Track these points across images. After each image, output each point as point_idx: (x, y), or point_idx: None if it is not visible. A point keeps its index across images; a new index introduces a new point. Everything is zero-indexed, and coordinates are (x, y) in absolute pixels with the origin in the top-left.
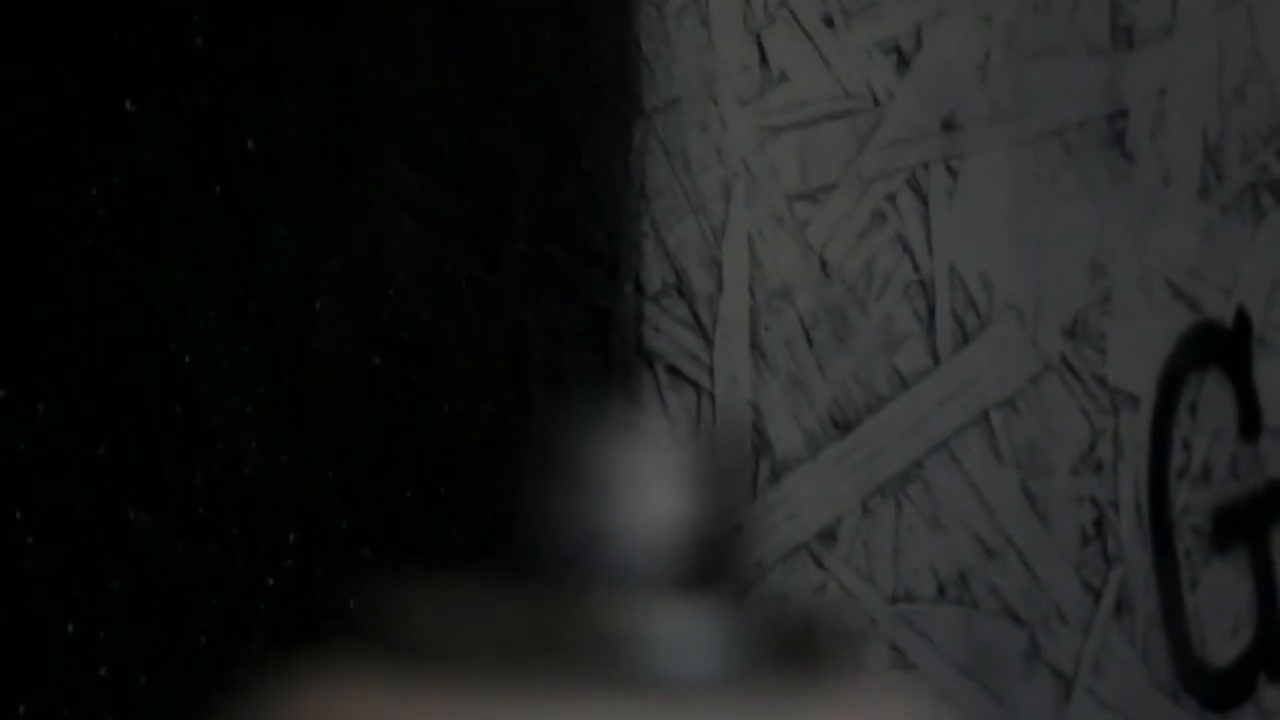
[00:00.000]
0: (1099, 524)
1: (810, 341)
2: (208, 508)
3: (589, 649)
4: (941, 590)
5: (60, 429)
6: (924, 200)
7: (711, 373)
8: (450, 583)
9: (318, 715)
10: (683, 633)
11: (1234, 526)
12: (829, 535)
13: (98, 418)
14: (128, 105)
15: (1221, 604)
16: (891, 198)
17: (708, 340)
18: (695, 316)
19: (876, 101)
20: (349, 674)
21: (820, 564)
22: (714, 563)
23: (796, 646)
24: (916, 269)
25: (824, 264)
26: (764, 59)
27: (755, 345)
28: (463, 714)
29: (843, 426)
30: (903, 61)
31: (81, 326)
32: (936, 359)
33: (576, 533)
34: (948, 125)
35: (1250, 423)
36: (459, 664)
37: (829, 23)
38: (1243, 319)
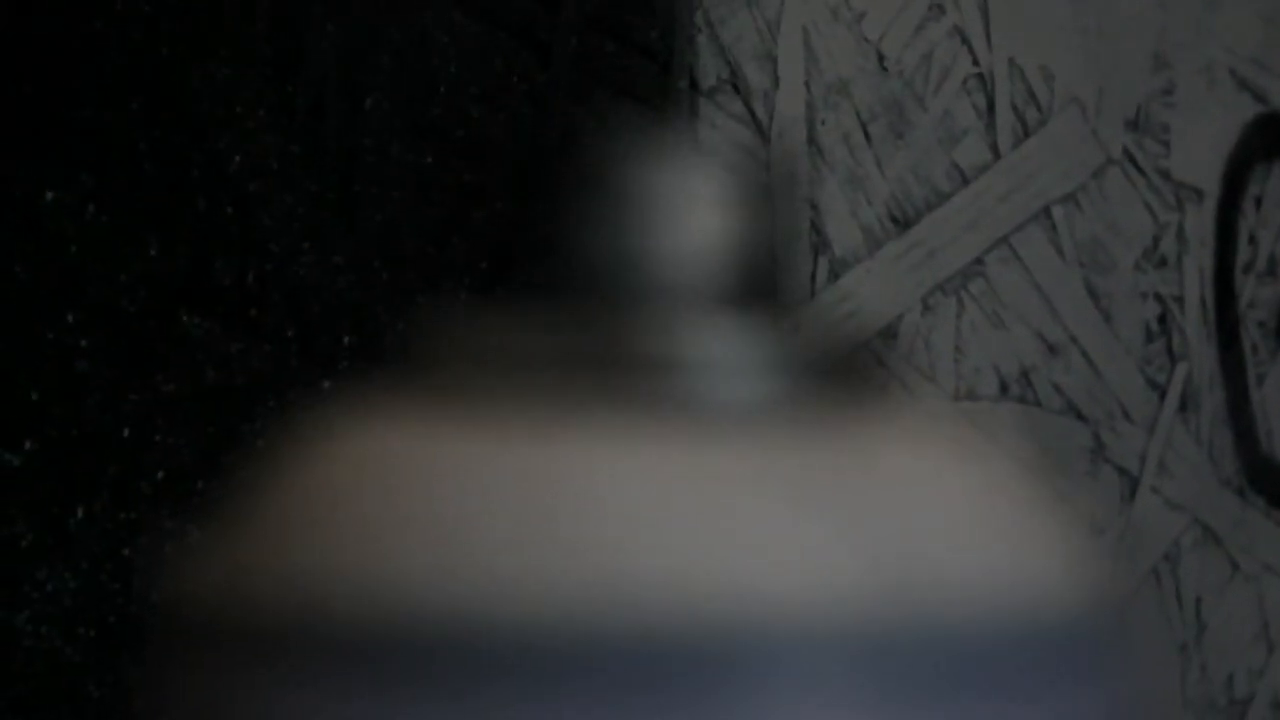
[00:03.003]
0: (1163, 320)
1: (868, 137)
2: (261, 309)
3: (629, 372)
4: (1004, 388)
5: (110, 231)
6: None
7: (768, 169)
8: (485, 311)
9: (355, 458)
10: (726, 355)
11: None
12: (889, 334)
13: (148, 219)
14: None
15: None
16: None
17: (764, 136)
18: (751, 112)
19: None
20: (384, 414)
21: (881, 362)
22: (760, 283)
23: (842, 371)
24: (975, 62)
25: (881, 57)
26: None
27: (812, 141)
28: (502, 446)
29: (902, 223)
30: None
31: (129, 127)
32: (997, 154)
33: (615, 253)
34: None
35: None
36: (497, 394)
37: None
38: None
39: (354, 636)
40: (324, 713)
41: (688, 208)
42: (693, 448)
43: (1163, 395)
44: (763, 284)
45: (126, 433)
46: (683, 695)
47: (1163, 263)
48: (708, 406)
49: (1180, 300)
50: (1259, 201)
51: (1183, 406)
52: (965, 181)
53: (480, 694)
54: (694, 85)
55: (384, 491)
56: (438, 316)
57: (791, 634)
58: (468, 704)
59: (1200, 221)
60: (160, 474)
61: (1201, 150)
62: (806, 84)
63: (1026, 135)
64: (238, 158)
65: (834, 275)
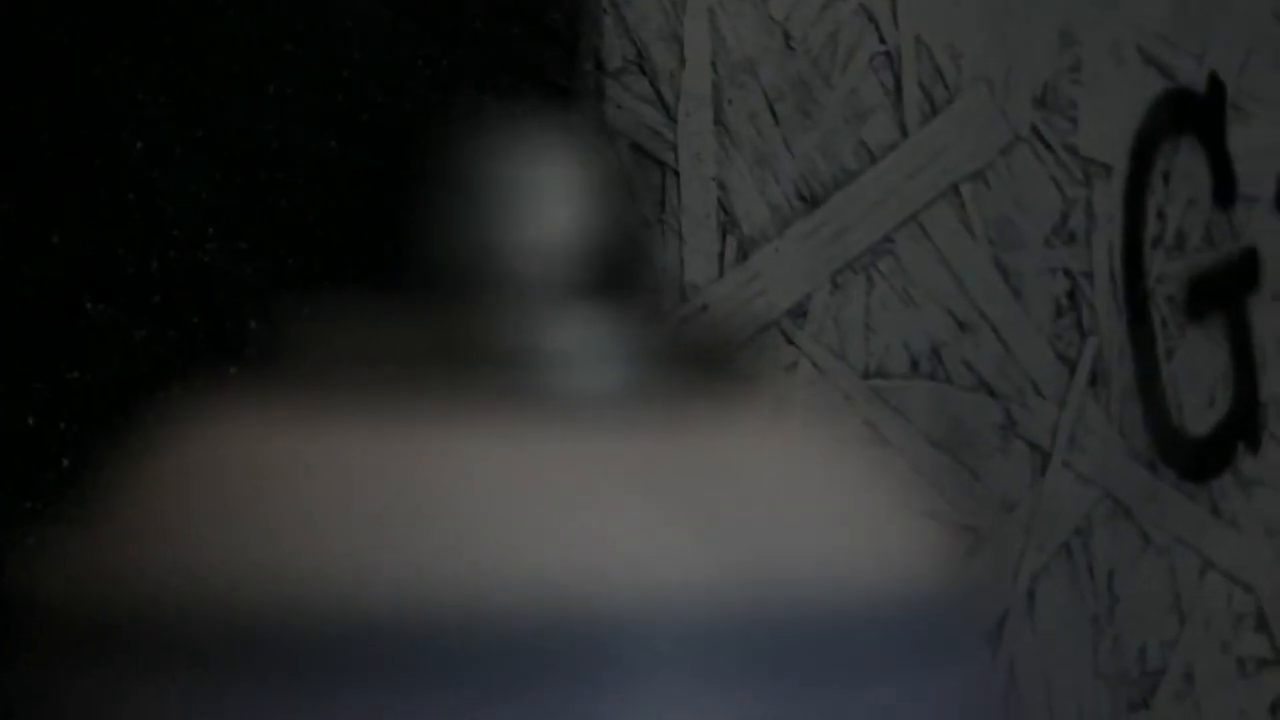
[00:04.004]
0: (1072, 295)
1: (775, 116)
2: (165, 296)
3: (488, 364)
4: (914, 365)
5: (10, 219)
6: None
7: (675, 150)
8: (344, 303)
9: (212, 449)
10: (586, 346)
11: (1209, 295)
12: (799, 312)
13: (49, 207)
14: None
15: (1198, 373)
16: None
17: (671, 117)
18: (657, 93)
19: None
20: (244, 405)
21: (791, 341)
22: (620, 272)
23: (706, 360)
24: (882, 40)
25: (787, 37)
26: None
27: (719, 121)
28: (362, 439)
29: (810, 202)
30: None
31: (29, 115)
32: (904, 132)
33: (473, 244)
34: None
35: (1225, 190)
36: (358, 387)
37: None
38: (1216, 85)
39: (212, 630)
40: (177, 705)
41: (545, 199)
42: (551, 439)
43: (1073, 370)
44: (623, 275)
45: (31, 421)
46: (542, 684)
47: (1071, 239)
48: (567, 398)
49: (1089, 276)
50: (1166, 177)
51: (1093, 381)
52: (873, 160)
53: (340, 687)
54: (600, 66)
55: (243, 484)
56: (299, 310)
57: (649, 623)
58: (322, 698)
59: (1108, 197)
60: (65, 462)
61: (1109, 126)
62: (713, 64)
63: (934, 113)
64: (140, 144)
65: (743, 254)
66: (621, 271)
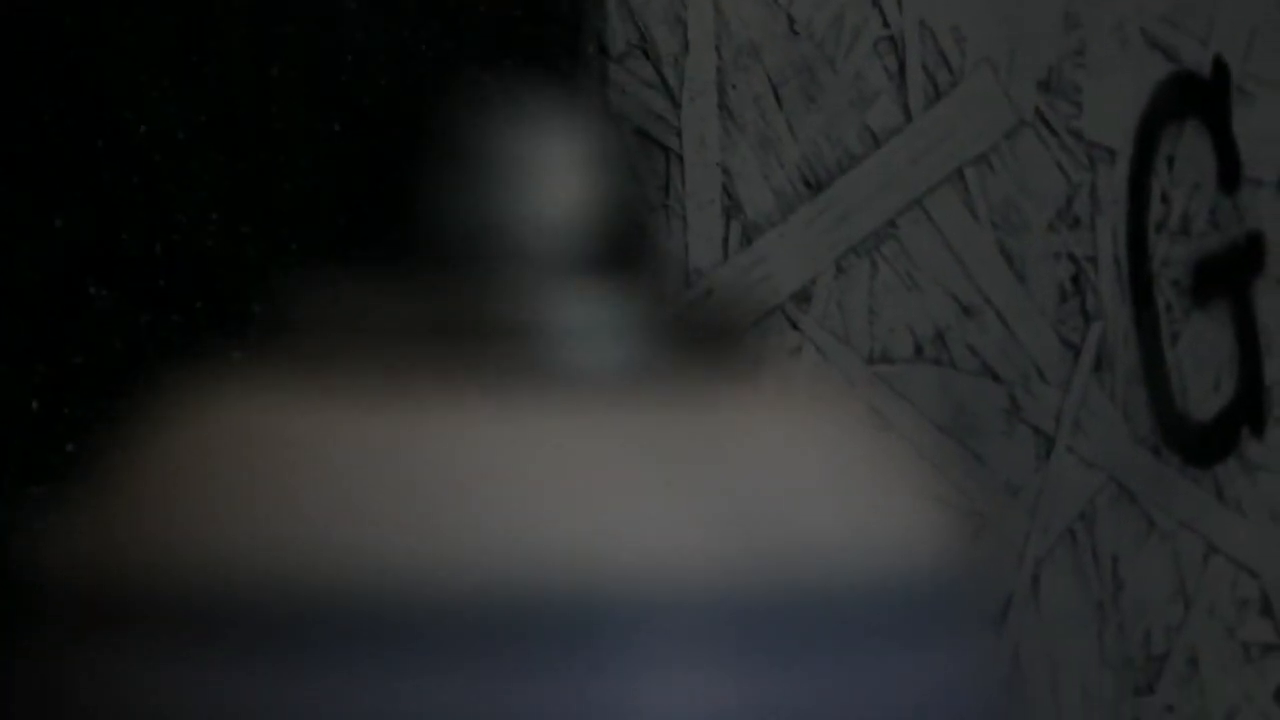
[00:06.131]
0: (1077, 280)
1: (779, 100)
2: (169, 280)
3: (492, 339)
4: (919, 350)
5: (13, 203)
6: None
7: (679, 134)
8: (348, 279)
9: (216, 432)
10: (590, 321)
11: (1214, 279)
12: (803, 297)
13: (52, 191)
14: None
15: (1202, 358)
16: None
17: (674, 101)
18: (661, 77)
19: None
20: (248, 387)
21: (795, 326)
22: (626, 248)
23: (712, 336)
24: (886, 24)
25: (791, 20)
26: None
27: (723, 105)
28: (365, 418)
29: (814, 186)
30: None
31: (32, 97)
32: (909, 115)
33: (478, 221)
34: None
35: (1229, 174)
36: (360, 363)
37: None
38: (1220, 68)
39: (217, 607)
40: (182, 684)
41: (549, 176)
42: (556, 414)
43: (1077, 355)
44: (626, 251)
45: (34, 406)
46: (549, 658)
47: (1076, 223)
48: (572, 373)
49: (1094, 260)
50: (1171, 160)
51: (1097, 366)
52: (877, 144)
53: (345, 666)
54: (603, 50)
55: (245, 462)
56: (303, 292)
57: (654, 597)
58: (326, 675)
59: (1113, 181)
60: (69, 447)
61: (1113, 110)
62: (717, 48)
63: (938, 97)
64: (144, 128)
65: (747, 239)
66: (625, 248)
